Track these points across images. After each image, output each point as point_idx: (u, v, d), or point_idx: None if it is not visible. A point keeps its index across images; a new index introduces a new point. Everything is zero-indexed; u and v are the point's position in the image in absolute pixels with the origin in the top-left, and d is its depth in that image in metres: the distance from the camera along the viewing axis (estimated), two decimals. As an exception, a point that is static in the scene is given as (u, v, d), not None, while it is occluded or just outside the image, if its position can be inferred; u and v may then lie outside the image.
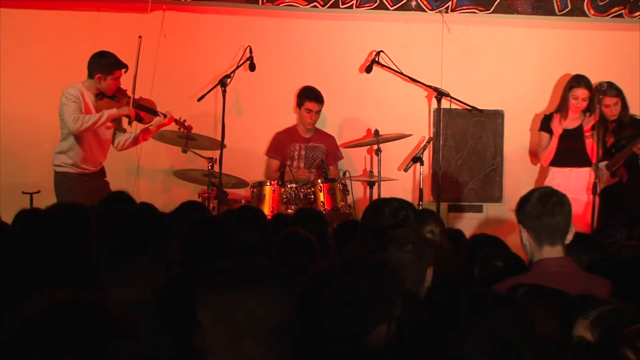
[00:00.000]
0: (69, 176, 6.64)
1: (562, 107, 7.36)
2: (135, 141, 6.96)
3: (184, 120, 6.98)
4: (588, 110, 7.29)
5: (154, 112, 6.87)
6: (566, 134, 7.32)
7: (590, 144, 7.26)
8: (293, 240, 4.15)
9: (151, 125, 6.90)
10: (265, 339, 2.21)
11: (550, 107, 7.84)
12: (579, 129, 7.32)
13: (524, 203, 3.53)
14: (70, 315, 1.58)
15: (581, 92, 7.25)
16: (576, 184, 7.24)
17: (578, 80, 7.28)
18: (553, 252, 3.47)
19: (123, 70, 6.69)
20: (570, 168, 7.32)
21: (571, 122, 7.33)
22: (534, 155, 7.95)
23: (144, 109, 6.84)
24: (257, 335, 2.20)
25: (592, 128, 7.16)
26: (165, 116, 6.87)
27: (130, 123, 6.82)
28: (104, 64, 6.65)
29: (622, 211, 6.42)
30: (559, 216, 3.48)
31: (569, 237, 3.54)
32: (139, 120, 6.83)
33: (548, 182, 7.28)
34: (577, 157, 7.32)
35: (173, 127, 7.03)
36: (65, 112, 6.54)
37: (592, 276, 3.63)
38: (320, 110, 7.75)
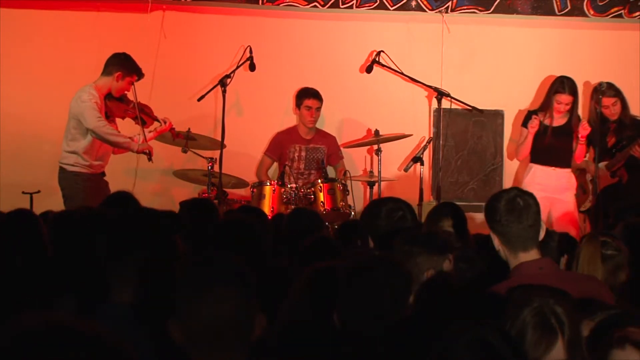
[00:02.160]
0: (82, 176, 6.61)
1: (545, 107, 7.30)
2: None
3: (179, 133, 6.94)
4: (571, 112, 7.23)
5: (154, 117, 6.87)
6: (552, 132, 7.21)
7: (582, 149, 7.23)
8: (319, 245, 4.01)
9: (151, 130, 6.89)
10: (220, 338, 2.17)
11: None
12: (566, 127, 7.24)
13: (492, 211, 3.42)
14: (60, 344, 1.42)
15: (565, 98, 7.14)
16: (557, 184, 7.20)
17: (563, 85, 7.16)
18: (528, 256, 3.38)
19: (138, 77, 6.69)
20: (553, 167, 7.23)
21: (557, 120, 7.28)
22: (512, 149, 7.92)
23: (146, 114, 6.84)
24: (212, 335, 2.17)
25: (588, 136, 7.12)
26: (165, 122, 6.86)
27: (149, 159, 6.76)
28: (128, 65, 6.65)
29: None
30: (527, 222, 3.38)
31: (541, 235, 3.45)
32: (143, 123, 6.83)
33: (530, 179, 7.20)
34: (560, 155, 7.24)
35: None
36: (87, 108, 6.47)
37: (574, 275, 3.59)
38: (320, 108, 7.75)
